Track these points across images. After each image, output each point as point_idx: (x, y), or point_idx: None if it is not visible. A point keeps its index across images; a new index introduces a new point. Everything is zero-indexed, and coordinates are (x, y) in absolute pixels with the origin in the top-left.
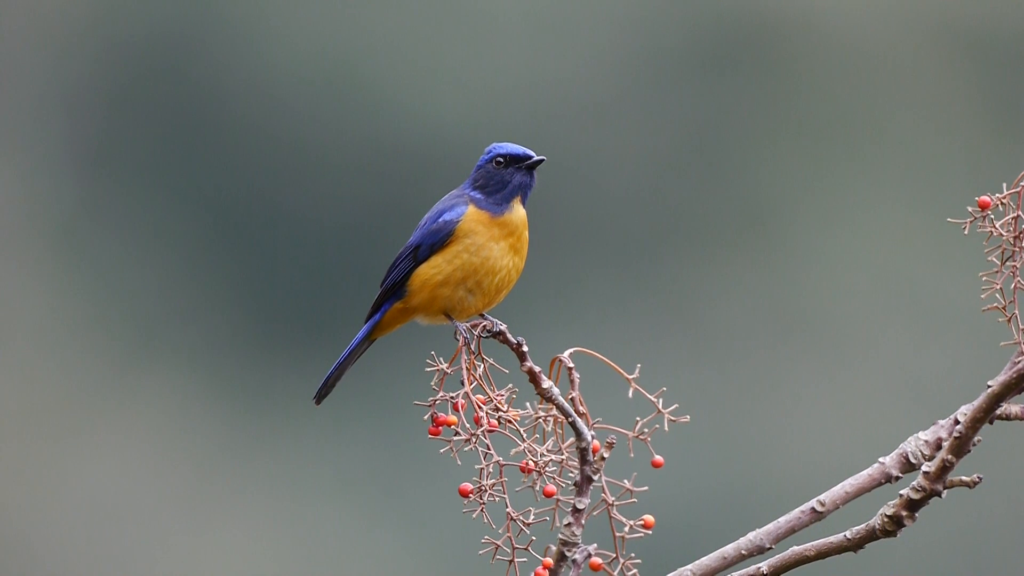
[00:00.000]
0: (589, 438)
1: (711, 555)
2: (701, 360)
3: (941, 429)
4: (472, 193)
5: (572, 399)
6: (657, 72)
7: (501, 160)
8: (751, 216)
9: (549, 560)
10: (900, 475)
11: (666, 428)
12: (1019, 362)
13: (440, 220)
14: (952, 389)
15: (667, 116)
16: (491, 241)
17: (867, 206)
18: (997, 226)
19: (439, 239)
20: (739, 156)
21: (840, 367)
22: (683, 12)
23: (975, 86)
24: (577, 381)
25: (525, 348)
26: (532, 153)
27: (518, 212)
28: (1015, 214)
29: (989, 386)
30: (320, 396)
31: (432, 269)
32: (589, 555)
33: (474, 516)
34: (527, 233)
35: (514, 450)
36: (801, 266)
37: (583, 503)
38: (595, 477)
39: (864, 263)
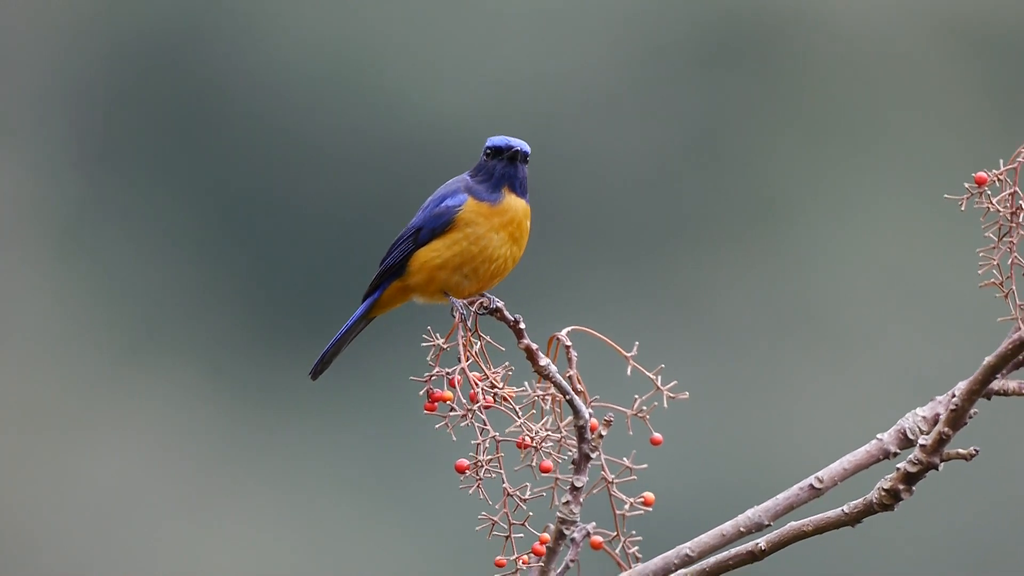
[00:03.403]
0: (587, 416)
1: (709, 532)
2: (704, 352)
3: (939, 405)
4: (471, 181)
5: (570, 377)
6: (663, 67)
7: (489, 152)
8: (756, 210)
9: (546, 535)
10: (898, 451)
11: (665, 405)
12: (1015, 336)
13: (442, 205)
14: (954, 380)
15: (673, 111)
16: (491, 231)
17: (871, 200)
18: (994, 202)
19: (440, 224)
20: (744, 151)
21: (844, 360)
22: (689, 7)
23: (979, 81)
24: (575, 359)
25: (522, 325)
26: (513, 144)
27: (515, 202)
28: (1012, 190)
29: (986, 359)
30: (316, 372)
31: (432, 252)
32: (588, 533)
33: (470, 492)
34: (528, 223)
35: (509, 427)
36: (805, 259)
37: (581, 481)
38: (593, 455)
39: (868, 257)
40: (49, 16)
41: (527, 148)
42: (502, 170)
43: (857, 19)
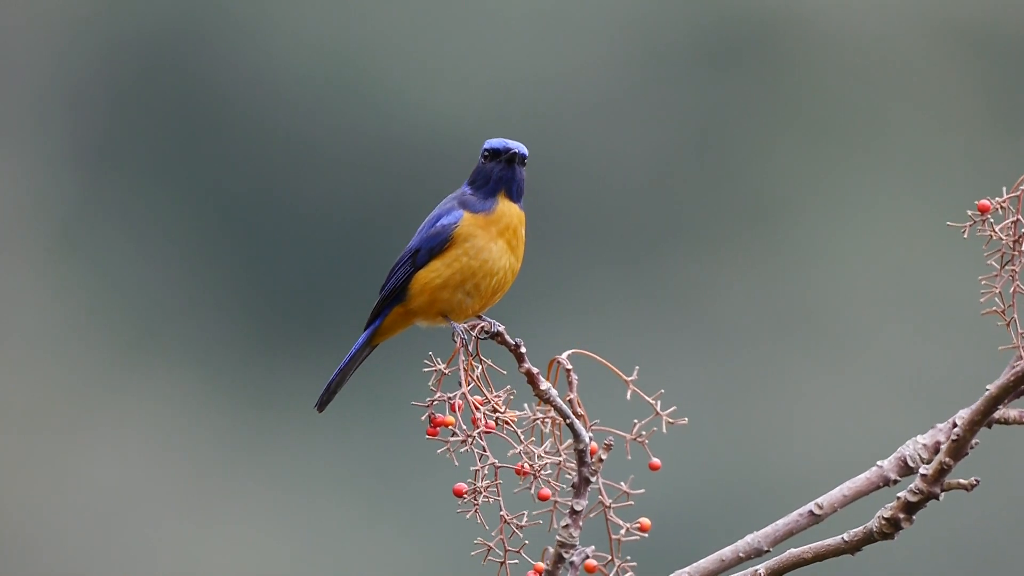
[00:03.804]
0: (587, 440)
1: (709, 558)
2: (704, 356)
3: (939, 433)
4: (466, 193)
5: (570, 401)
6: (661, 68)
7: (486, 154)
8: (754, 212)
9: (541, 564)
10: (898, 478)
11: (664, 431)
12: (1017, 366)
13: (438, 224)
14: (955, 386)
15: (671, 112)
16: (490, 242)
17: (870, 203)
18: (996, 230)
19: (437, 243)
20: (742, 153)
21: (842, 363)
22: (687, 8)
23: (978, 82)
24: (575, 383)
25: (523, 349)
26: (511, 146)
27: (509, 207)
28: (1015, 218)
29: (988, 389)
30: (322, 403)
31: (432, 273)
32: (587, 557)
33: (467, 517)
34: (523, 231)
35: (511, 452)
36: (804, 263)
37: (581, 505)
38: (593, 479)
39: (867, 260)
40: (48, 16)
41: (525, 150)
42: (499, 173)
43: (856, 20)
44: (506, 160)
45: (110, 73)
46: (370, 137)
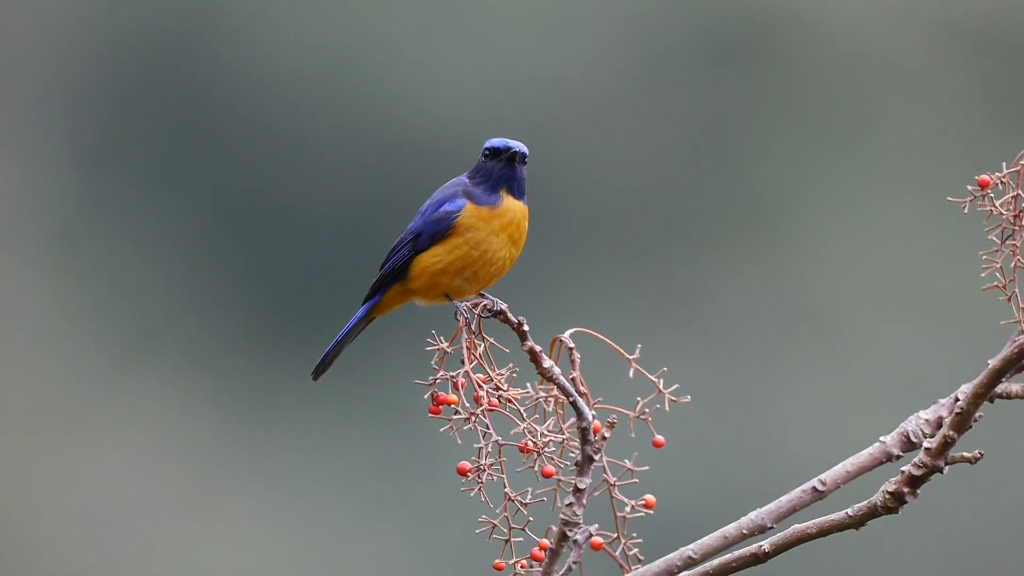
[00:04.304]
0: (590, 418)
1: (712, 534)
2: (704, 352)
3: (942, 408)
4: (469, 184)
5: (573, 379)
6: (661, 68)
7: (487, 152)
8: (754, 210)
9: (546, 541)
10: (901, 454)
11: (667, 408)
12: (1019, 339)
13: (441, 210)
14: (953, 381)
15: (671, 112)
16: (491, 235)
17: (869, 200)
18: (997, 205)
19: (439, 230)
20: (742, 151)
21: (841, 359)
22: (687, 8)
23: (976, 80)
24: (578, 361)
25: (526, 328)
26: (512, 145)
27: (514, 204)
28: (1015, 193)
29: (989, 364)
30: (318, 372)
31: (432, 258)
32: (590, 535)
33: (471, 495)
34: (526, 224)
35: (514, 430)
36: (803, 259)
37: (584, 483)
38: (596, 457)
39: (866, 256)
40: (48, 16)
41: (525, 149)
42: (500, 171)
43: (855, 20)
44: (507, 159)
45: (110, 73)
46: (370, 137)
